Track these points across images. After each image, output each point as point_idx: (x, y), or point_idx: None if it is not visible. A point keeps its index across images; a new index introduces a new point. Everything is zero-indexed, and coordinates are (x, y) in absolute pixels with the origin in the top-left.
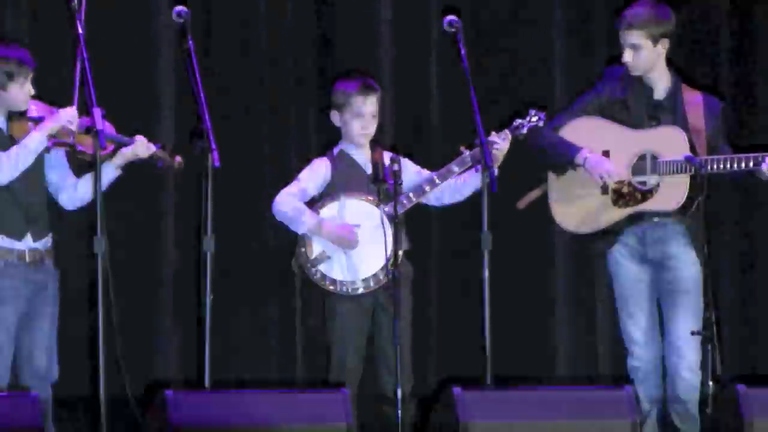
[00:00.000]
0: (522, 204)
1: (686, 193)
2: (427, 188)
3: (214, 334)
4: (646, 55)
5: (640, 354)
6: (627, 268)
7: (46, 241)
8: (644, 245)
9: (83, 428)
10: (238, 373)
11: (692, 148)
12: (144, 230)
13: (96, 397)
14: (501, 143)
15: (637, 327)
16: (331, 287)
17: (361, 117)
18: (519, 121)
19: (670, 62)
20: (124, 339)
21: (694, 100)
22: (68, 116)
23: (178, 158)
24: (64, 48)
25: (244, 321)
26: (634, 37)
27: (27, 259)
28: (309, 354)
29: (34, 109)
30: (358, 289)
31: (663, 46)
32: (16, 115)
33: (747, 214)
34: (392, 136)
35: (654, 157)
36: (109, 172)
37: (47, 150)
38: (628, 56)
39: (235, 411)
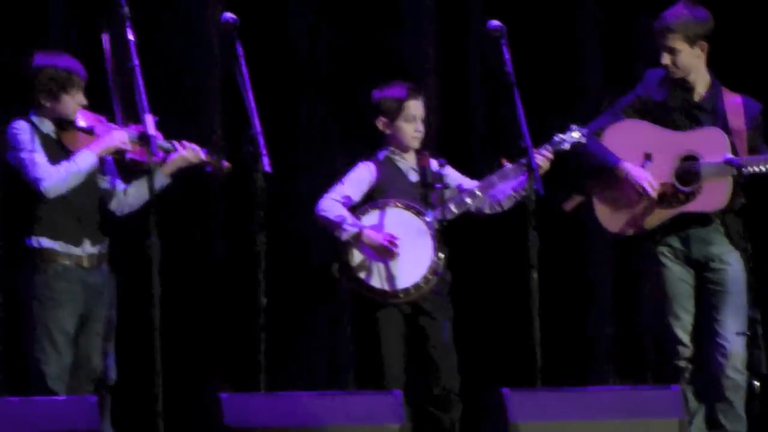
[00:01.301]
0: (568, 206)
1: (728, 195)
2: (468, 200)
3: (268, 338)
4: (684, 58)
5: (686, 354)
6: (671, 269)
7: (102, 246)
8: (688, 246)
9: (141, 430)
10: (289, 377)
11: (733, 150)
12: (195, 233)
13: (153, 398)
14: (542, 159)
15: (682, 328)
16: (371, 295)
17: (413, 121)
18: (560, 136)
19: (710, 64)
20: (180, 341)
21: (733, 102)
22: (121, 138)
23: (226, 163)
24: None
25: (295, 325)
26: (671, 40)
27: (84, 263)
28: (356, 360)
29: (81, 117)
30: (398, 295)
31: (701, 49)
32: (65, 124)
33: None
34: (436, 142)
35: (695, 159)
36: (159, 180)
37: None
38: (666, 59)
39: (289, 412)
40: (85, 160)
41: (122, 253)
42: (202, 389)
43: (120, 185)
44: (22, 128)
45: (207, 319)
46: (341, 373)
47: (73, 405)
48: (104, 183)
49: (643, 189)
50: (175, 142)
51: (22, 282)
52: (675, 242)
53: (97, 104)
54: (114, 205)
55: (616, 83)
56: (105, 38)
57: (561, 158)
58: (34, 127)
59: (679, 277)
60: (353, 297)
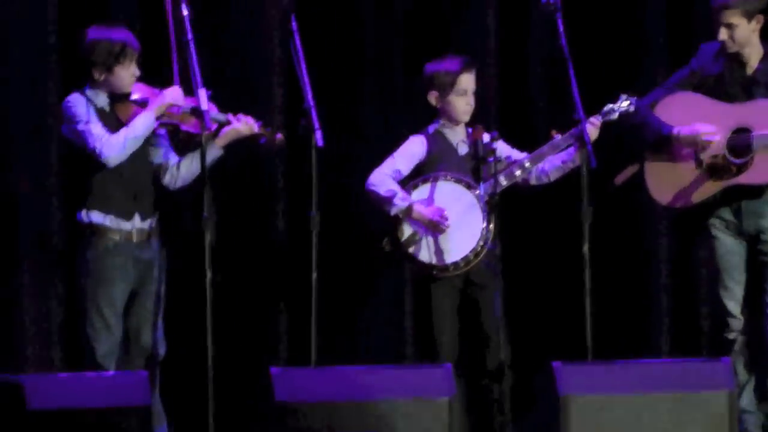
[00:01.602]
0: (619, 180)
1: None
2: (518, 173)
3: (323, 313)
4: (742, 33)
5: (736, 326)
6: (723, 241)
7: (152, 221)
8: (740, 218)
9: (191, 405)
10: (348, 352)
11: None
12: (251, 208)
13: (204, 373)
14: (591, 128)
15: (732, 299)
16: (421, 269)
17: (465, 94)
18: (610, 105)
19: (763, 37)
20: (232, 317)
21: None
22: (174, 95)
23: (280, 135)
24: (166, 30)
25: (352, 299)
26: (729, 16)
27: (134, 239)
28: (415, 332)
29: (136, 90)
30: (448, 269)
31: (757, 22)
32: (119, 97)
33: None
34: (495, 116)
35: (748, 131)
36: (213, 152)
37: (153, 131)
38: (724, 34)
39: (340, 387)
40: (143, 122)
41: (177, 227)
42: (254, 365)
43: (173, 159)
44: (77, 101)
45: (264, 296)
46: (403, 346)
47: (124, 380)
48: (158, 157)
49: (700, 138)
50: (230, 115)
51: (76, 258)
52: (727, 214)
53: (158, 77)
54: (167, 179)
55: (678, 62)
56: (168, 12)
57: (616, 131)
58: (89, 101)
59: (729, 249)
60: (409, 271)
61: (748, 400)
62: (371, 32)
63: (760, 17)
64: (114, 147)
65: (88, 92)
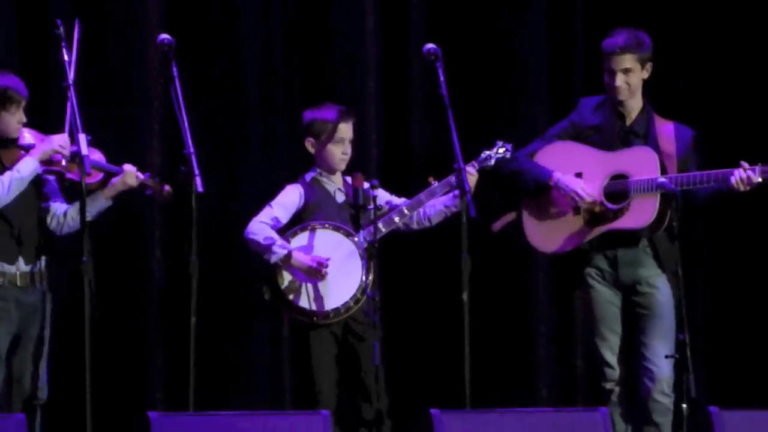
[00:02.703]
0: (497, 226)
1: (656, 212)
2: (397, 219)
3: (201, 357)
4: (635, 80)
5: (613, 376)
6: (599, 291)
7: (39, 264)
8: (616, 269)
9: None
10: (225, 397)
11: (663, 170)
12: (132, 253)
13: (83, 417)
14: (469, 175)
15: (609, 350)
16: (300, 317)
17: (342, 143)
18: (486, 152)
19: (643, 90)
20: (113, 360)
21: (665, 128)
22: (59, 141)
23: (167, 187)
24: (56, 76)
25: (231, 345)
26: (627, 61)
27: (18, 282)
28: (294, 380)
29: (28, 136)
30: (328, 316)
31: (647, 71)
32: (6, 142)
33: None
34: (377, 163)
35: (625, 177)
36: (100, 203)
37: (39, 177)
38: (620, 80)
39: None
40: (25, 167)
41: (61, 272)
42: (132, 408)
43: (61, 207)
44: None
45: (142, 339)
46: (281, 393)
47: (2, 423)
48: (45, 203)
49: (576, 193)
50: (116, 167)
51: None
52: (603, 264)
53: (46, 124)
54: (54, 225)
55: (558, 109)
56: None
57: (495, 180)
58: None
59: (606, 299)
60: (288, 318)
61: None
62: (254, 77)
63: (650, 66)
64: None
65: None
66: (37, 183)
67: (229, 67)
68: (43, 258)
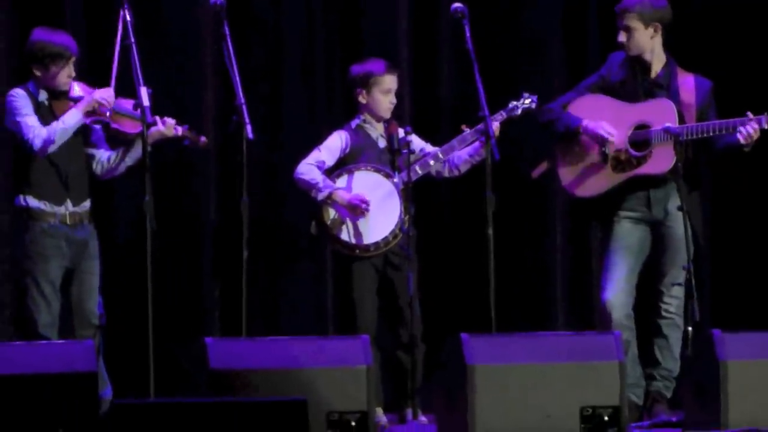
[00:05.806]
0: (536, 173)
1: (674, 158)
2: (432, 162)
3: (252, 289)
4: (638, 37)
5: (615, 288)
6: (623, 225)
7: (85, 205)
8: (649, 207)
9: (132, 371)
10: (274, 324)
11: (681, 120)
12: (190, 194)
13: (146, 342)
14: (495, 125)
15: (618, 269)
16: (343, 249)
17: (389, 93)
18: (513, 103)
19: (667, 46)
20: (170, 293)
21: (686, 80)
22: (102, 95)
23: (204, 138)
24: (113, 33)
25: (278, 277)
26: (627, 19)
27: (68, 221)
28: (337, 307)
29: (77, 89)
30: (369, 249)
31: (655, 30)
32: (58, 94)
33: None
34: (409, 114)
35: (648, 126)
36: (137, 151)
37: (87, 126)
38: (622, 37)
39: (269, 356)
40: (70, 117)
41: (122, 210)
42: (190, 335)
43: (105, 154)
44: (18, 95)
45: (199, 273)
46: (325, 320)
47: (71, 348)
48: (90, 150)
49: (601, 135)
50: (157, 117)
51: (16, 239)
52: (636, 204)
53: (101, 79)
54: (98, 170)
55: (571, 69)
56: (122, 18)
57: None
58: (30, 95)
59: (630, 233)
60: (333, 252)
61: (631, 361)
62: (296, 40)
63: (658, 26)
64: (44, 138)
65: (31, 87)
66: (84, 131)
67: (272, 29)
68: (89, 199)
